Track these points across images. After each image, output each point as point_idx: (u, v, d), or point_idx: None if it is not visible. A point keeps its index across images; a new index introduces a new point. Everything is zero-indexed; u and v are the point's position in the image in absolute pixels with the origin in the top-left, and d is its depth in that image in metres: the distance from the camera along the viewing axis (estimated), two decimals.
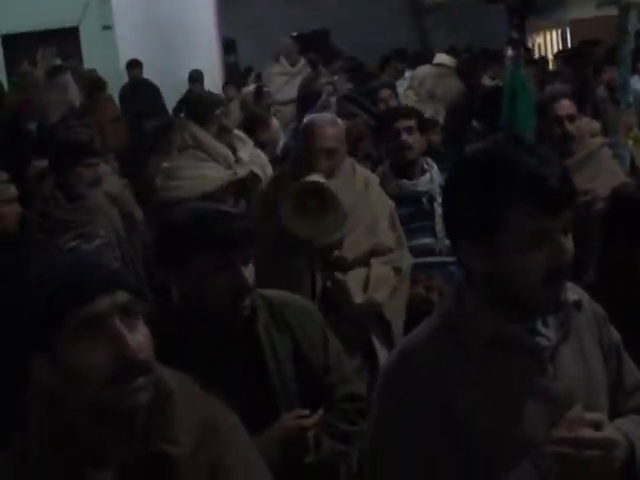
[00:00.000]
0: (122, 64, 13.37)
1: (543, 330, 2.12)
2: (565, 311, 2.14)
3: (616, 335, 2.38)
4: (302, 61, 12.73)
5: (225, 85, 12.70)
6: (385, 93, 6.82)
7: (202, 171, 5.75)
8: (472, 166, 2.10)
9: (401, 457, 2.08)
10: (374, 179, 4.62)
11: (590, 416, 2.07)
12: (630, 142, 6.87)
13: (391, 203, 4.53)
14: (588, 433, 2.04)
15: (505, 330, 2.07)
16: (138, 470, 1.84)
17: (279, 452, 2.80)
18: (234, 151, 5.91)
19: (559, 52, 13.67)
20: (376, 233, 4.34)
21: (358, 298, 4.19)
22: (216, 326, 2.81)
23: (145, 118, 9.07)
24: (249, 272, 2.80)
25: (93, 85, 11.70)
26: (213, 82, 13.06)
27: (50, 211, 5.17)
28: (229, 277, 2.74)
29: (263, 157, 6.26)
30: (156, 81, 12.59)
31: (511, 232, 1.99)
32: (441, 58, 10.99)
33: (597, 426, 2.07)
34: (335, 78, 11.38)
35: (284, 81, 12.14)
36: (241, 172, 5.77)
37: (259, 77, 13.16)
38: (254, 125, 7.74)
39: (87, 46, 15.38)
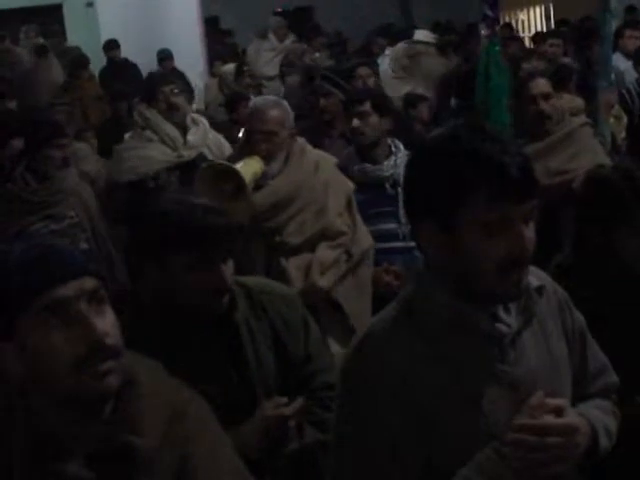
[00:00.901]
0: (104, 42, 13.26)
1: (504, 316, 2.11)
2: (527, 297, 2.13)
3: (580, 319, 2.38)
4: (291, 37, 12.72)
5: (213, 62, 12.66)
6: (363, 71, 6.75)
7: (147, 152, 5.69)
8: (433, 152, 2.08)
9: (361, 447, 2.07)
10: (327, 161, 4.50)
11: (552, 402, 2.08)
12: (612, 120, 6.84)
13: (349, 186, 4.46)
14: (549, 420, 2.05)
15: (465, 316, 2.06)
16: (105, 462, 1.83)
17: (260, 441, 2.77)
18: (185, 132, 5.83)
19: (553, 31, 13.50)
20: (325, 216, 4.26)
21: (298, 284, 4.10)
22: (193, 317, 2.75)
23: (123, 98, 9.02)
24: (229, 269, 2.73)
25: (76, 63, 11.66)
26: (196, 59, 12.99)
27: (18, 193, 5.14)
28: (207, 276, 2.67)
29: (221, 140, 6.16)
30: (138, 59, 12.52)
31: (470, 219, 1.97)
32: (420, 35, 10.90)
33: (559, 412, 2.08)
34: (317, 55, 11.39)
35: (272, 57, 12.12)
36: (187, 154, 5.70)
37: (244, 53, 13.11)
38: (235, 103, 7.74)
39: (70, 23, 15.29)
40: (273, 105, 4.35)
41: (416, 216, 2.11)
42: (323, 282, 4.18)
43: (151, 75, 6.70)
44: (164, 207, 2.75)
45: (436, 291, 2.08)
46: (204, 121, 6.12)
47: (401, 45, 10.48)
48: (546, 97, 5.07)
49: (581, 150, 5.09)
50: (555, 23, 15.30)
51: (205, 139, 5.90)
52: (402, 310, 2.14)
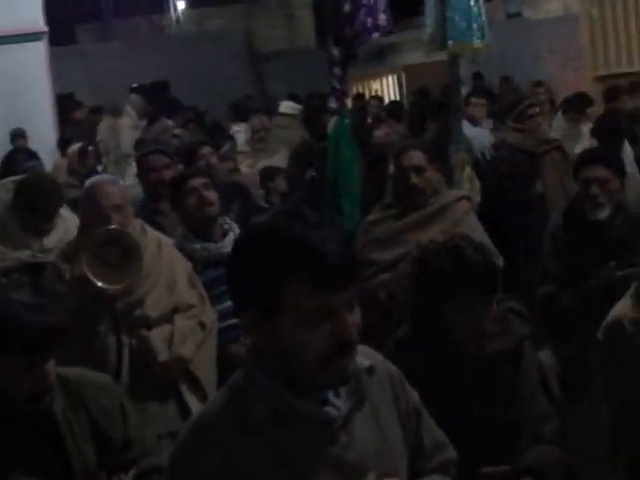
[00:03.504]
0: None
1: (333, 399, 2.09)
2: (356, 379, 2.11)
3: (414, 396, 2.38)
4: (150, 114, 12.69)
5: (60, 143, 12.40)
6: (206, 150, 6.73)
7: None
8: (253, 240, 2.05)
9: None
10: (166, 240, 4.53)
11: None
12: (465, 186, 6.85)
13: (188, 263, 4.47)
14: None
15: (292, 403, 2.03)
16: None
17: None
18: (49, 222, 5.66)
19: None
20: (176, 291, 4.28)
21: (163, 355, 4.11)
22: (11, 412, 2.72)
23: None
24: (51, 367, 2.73)
25: None
26: (48, 138, 12.80)
27: None
28: (31, 379, 2.67)
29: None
30: None
31: (291, 308, 1.95)
32: (285, 107, 10.95)
33: None
34: (177, 131, 11.37)
35: (137, 134, 12.01)
36: (42, 256, 5.47)
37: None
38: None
39: None
40: (114, 181, 4.43)
41: (239, 303, 2.07)
42: (186, 352, 4.19)
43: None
44: None
45: (263, 378, 2.05)
46: (68, 215, 5.88)
47: (258, 118, 10.54)
48: (418, 170, 4.95)
49: (455, 225, 4.99)
50: (408, 92, 15.66)
51: (66, 236, 5.57)
52: (230, 397, 2.10)
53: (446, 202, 5.08)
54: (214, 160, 6.67)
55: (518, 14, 19.08)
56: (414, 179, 4.92)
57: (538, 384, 3.32)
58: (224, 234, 4.84)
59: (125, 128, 12.34)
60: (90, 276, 3.83)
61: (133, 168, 9.94)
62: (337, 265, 1.94)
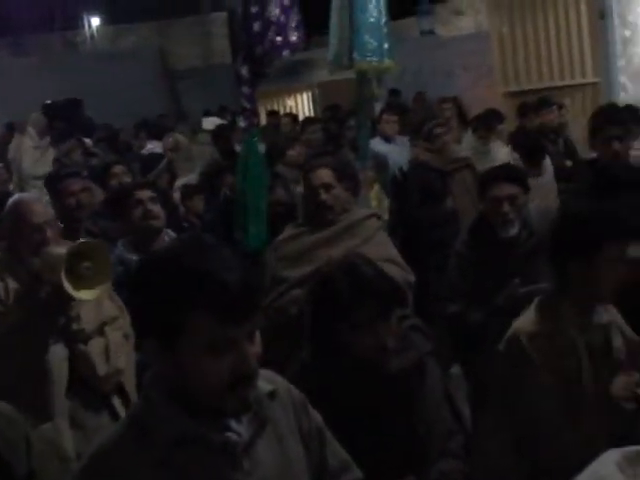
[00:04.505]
0: None
1: (235, 426, 2.10)
2: (258, 404, 2.13)
3: (317, 418, 2.40)
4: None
5: None
6: (118, 169, 6.71)
7: None
8: (155, 269, 2.04)
9: None
10: None
11: None
12: (373, 203, 6.90)
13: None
14: None
15: (192, 430, 2.03)
16: None
17: None
18: None
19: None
20: (103, 304, 4.27)
21: (101, 369, 4.11)
22: None
23: None
24: None
25: None
26: None
27: None
28: None
29: None
30: None
31: (191, 339, 1.95)
32: (208, 123, 10.89)
33: None
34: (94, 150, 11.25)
35: (39, 154, 11.81)
36: None
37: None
38: None
39: None
40: (37, 199, 4.41)
41: (139, 330, 2.07)
42: (121, 364, 4.20)
43: None
44: None
45: (163, 404, 2.05)
46: None
47: (172, 137, 10.49)
48: (327, 187, 5.00)
49: (365, 242, 5.02)
50: (323, 108, 15.70)
51: None
52: (130, 424, 2.10)
53: (356, 219, 5.12)
54: (126, 179, 6.64)
55: (431, 31, 19.32)
56: (323, 196, 4.97)
57: (443, 400, 3.35)
58: None
59: (26, 148, 12.06)
60: (68, 289, 3.78)
61: (33, 188, 9.86)
62: (239, 299, 1.95)
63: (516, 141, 8.06)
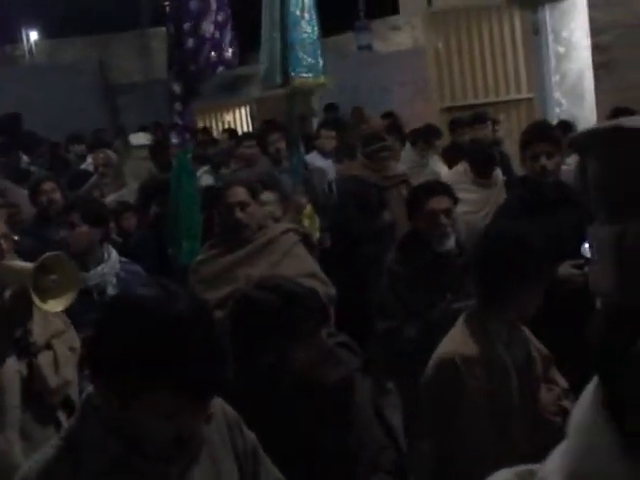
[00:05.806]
0: None
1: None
2: None
3: (251, 437, 2.42)
4: None
5: None
6: (47, 186, 6.66)
7: None
8: (118, 322, 1.98)
9: None
10: None
11: None
12: (306, 222, 6.86)
13: None
14: None
15: (126, 458, 2.02)
16: None
17: None
18: None
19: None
20: (49, 317, 4.24)
21: (52, 381, 4.10)
22: None
23: None
24: None
25: None
26: None
27: None
28: None
29: None
30: None
31: (144, 405, 1.93)
32: (136, 139, 10.81)
33: None
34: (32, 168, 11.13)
35: None
36: None
37: None
38: None
39: None
40: None
41: (96, 375, 2.03)
42: (69, 376, 4.19)
43: None
44: None
45: (99, 432, 2.03)
46: None
47: (102, 153, 10.40)
48: (242, 206, 5.02)
49: (284, 256, 5.07)
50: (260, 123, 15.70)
51: None
52: (64, 448, 2.07)
53: (273, 235, 5.16)
54: (56, 196, 6.60)
55: (368, 47, 19.43)
56: (238, 214, 4.99)
57: (373, 416, 3.36)
58: (99, 263, 4.88)
59: None
60: (37, 302, 3.74)
61: None
62: (197, 382, 1.92)
63: (464, 153, 8.07)
